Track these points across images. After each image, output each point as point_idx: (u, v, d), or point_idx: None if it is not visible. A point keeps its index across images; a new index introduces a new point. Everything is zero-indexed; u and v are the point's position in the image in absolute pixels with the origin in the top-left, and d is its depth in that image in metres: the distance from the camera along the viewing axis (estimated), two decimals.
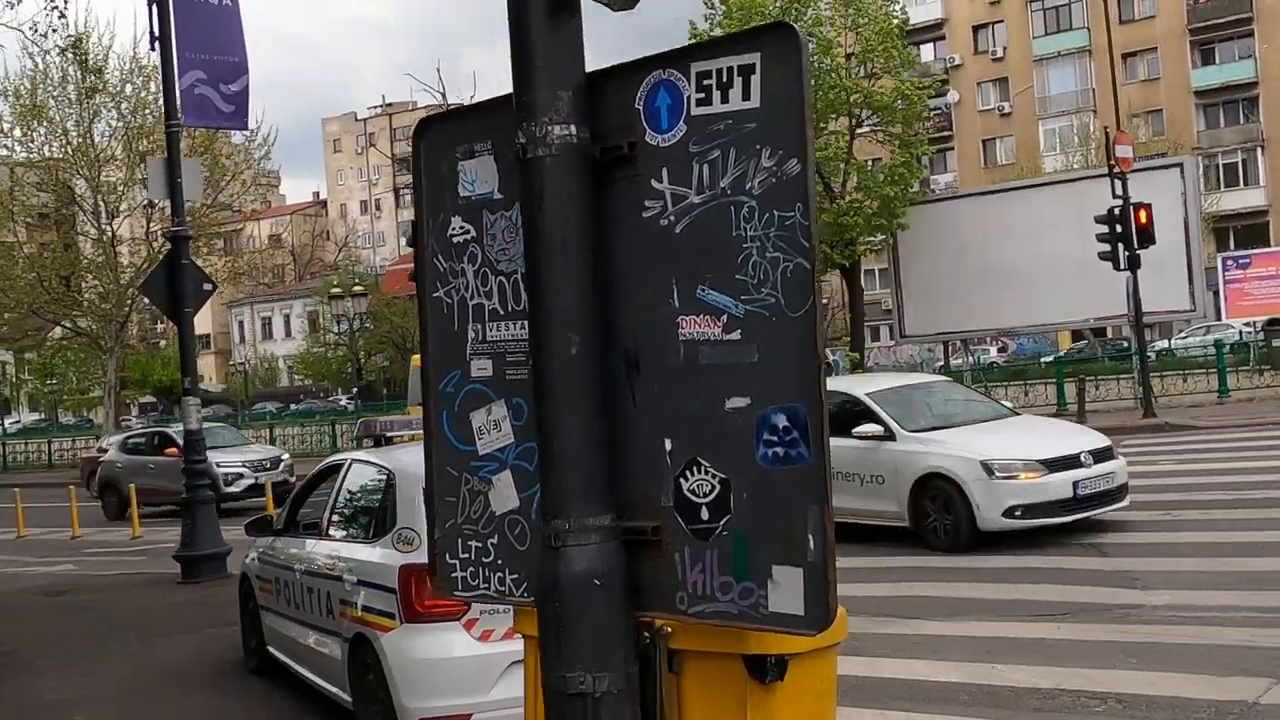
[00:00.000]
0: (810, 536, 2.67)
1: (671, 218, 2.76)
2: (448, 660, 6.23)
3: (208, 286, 14.79)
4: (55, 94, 36.81)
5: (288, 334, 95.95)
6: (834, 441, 11.18)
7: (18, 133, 37.51)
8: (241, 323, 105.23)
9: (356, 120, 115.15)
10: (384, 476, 7.11)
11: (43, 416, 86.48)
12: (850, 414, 12.56)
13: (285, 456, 25.36)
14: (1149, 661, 7.73)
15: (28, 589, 14.67)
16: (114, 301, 38.48)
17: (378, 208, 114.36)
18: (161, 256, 41.35)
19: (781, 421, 2.66)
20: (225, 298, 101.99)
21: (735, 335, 2.67)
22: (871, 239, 28.47)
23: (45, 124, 37.25)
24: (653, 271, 2.79)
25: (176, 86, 14.22)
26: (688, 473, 2.81)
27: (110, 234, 38.46)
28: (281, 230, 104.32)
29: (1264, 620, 8.38)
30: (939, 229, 26.69)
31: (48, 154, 37.39)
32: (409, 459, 7.04)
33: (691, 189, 2.74)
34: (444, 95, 30.01)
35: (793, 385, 2.62)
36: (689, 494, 2.81)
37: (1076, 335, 46.23)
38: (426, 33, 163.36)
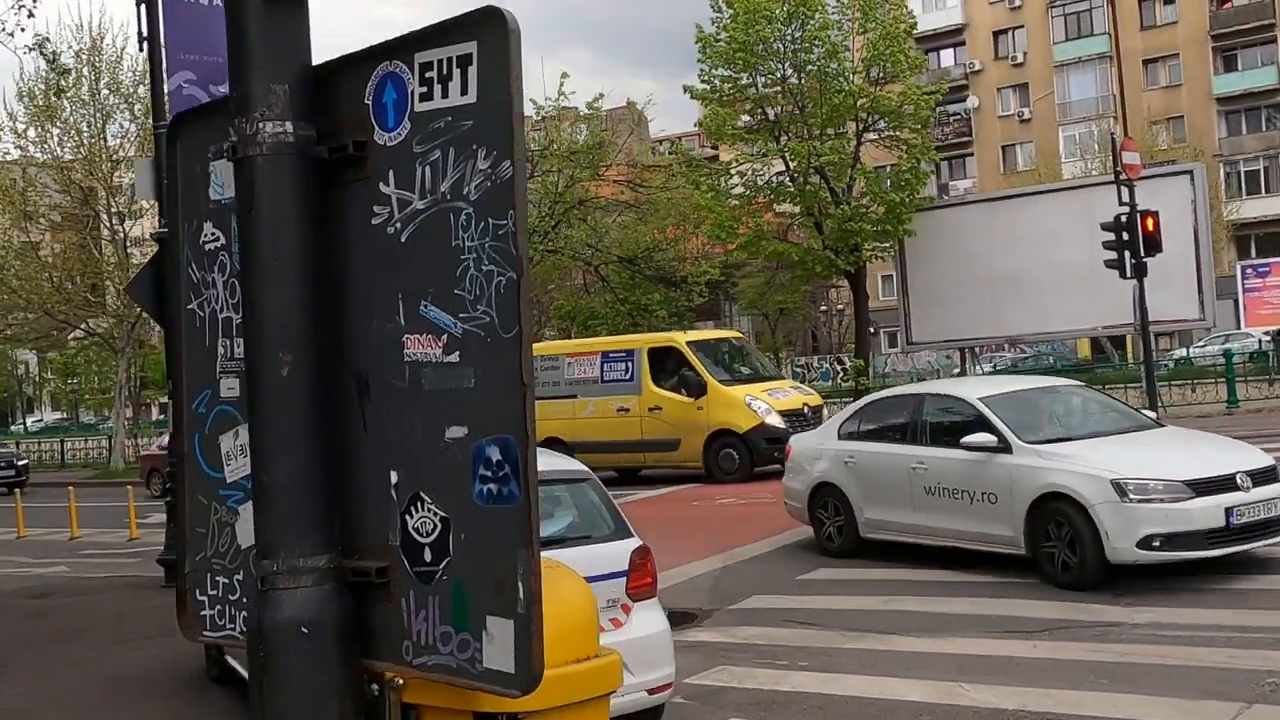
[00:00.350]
0: (520, 585, 2.41)
1: (398, 225, 2.50)
2: None
3: None
4: (69, 95, 36.84)
5: None
6: (940, 453, 11.08)
7: (32, 133, 37.63)
8: None
9: None
10: None
11: (64, 416, 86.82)
12: (960, 421, 11.33)
13: None
14: (1120, 682, 7.52)
15: (12, 591, 14.60)
16: (126, 302, 38.52)
17: None
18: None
19: (495, 455, 2.42)
20: None
21: (454, 357, 2.42)
22: (878, 245, 28.19)
23: (59, 125, 37.32)
24: (381, 284, 2.52)
25: (165, 87, 14.11)
26: (412, 509, 2.55)
27: (123, 235, 38.54)
28: None
29: (1246, 641, 8.15)
30: (946, 235, 26.40)
31: (62, 155, 37.34)
32: None
33: (415, 194, 2.47)
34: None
35: (506, 415, 2.37)
36: (414, 533, 2.55)
37: (1096, 344, 45.75)
38: None
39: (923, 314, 26.79)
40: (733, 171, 28.85)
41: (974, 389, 12.13)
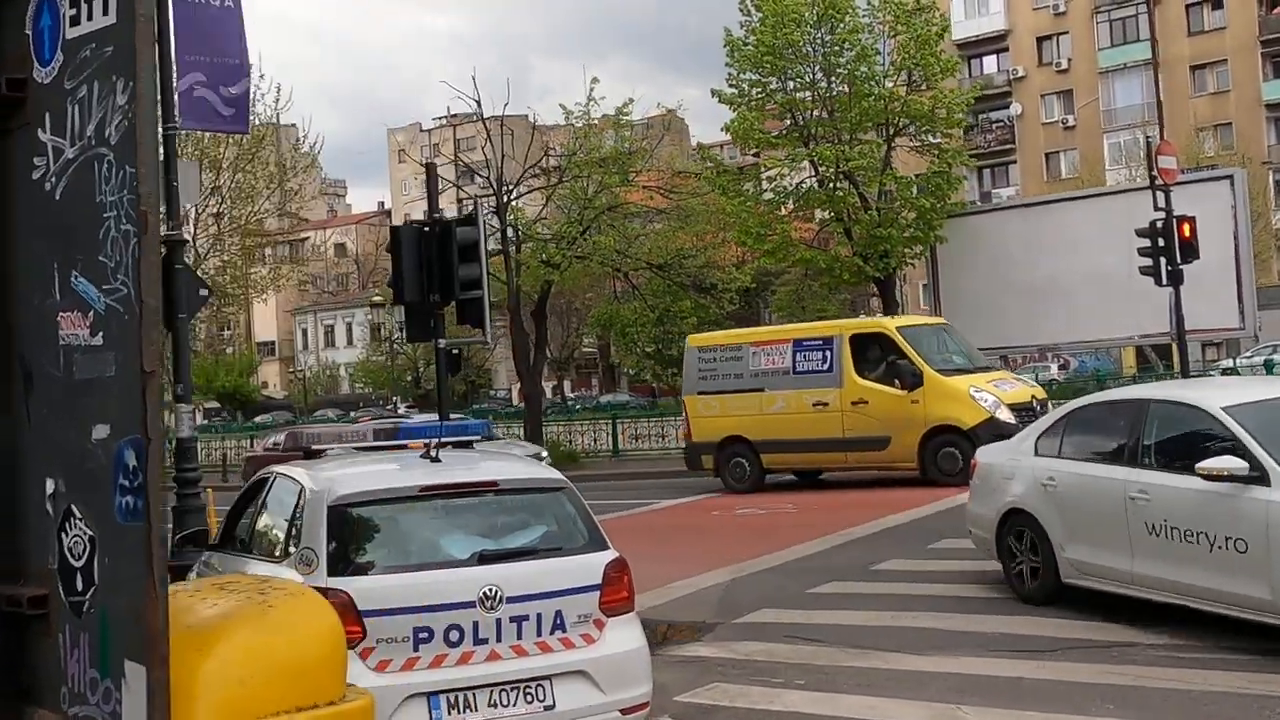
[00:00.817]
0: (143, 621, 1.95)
1: (53, 179, 2.16)
2: None
3: (204, 293, 14.55)
4: None
5: (349, 342, 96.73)
6: (1169, 480, 8.74)
7: None
8: (305, 330, 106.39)
9: (421, 131, 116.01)
10: (297, 491, 6.73)
11: None
12: (1197, 438, 8.69)
13: None
14: (1126, 708, 7.15)
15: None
16: None
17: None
18: (224, 264, 42.05)
19: (132, 460, 1.99)
20: (289, 304, 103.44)
21: (99, 339, 2.05)
22: (908, 251, 27.74)
23: None
24: (39, 252, 2.16)
25: (175, 88, 14.01)
26: (66, 526, 2.11)
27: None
28: (347, 239, 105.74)
29: (1263, 665, 7.74)
30: (979, 242, 25.93)
31: None
32: (327, 474, 6.68)
33: (67, 139, 2.12)
34: (479, 104, 29.67)
35: (136, 410, 1.97)
36: (69, 555, 2.11)
37: (1140, 354, 44.95)
38: (497, 43, 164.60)
39: (955, 322, 26.26)
40: (761, 177, 28.56)
41: (1215, 394, 9.35)
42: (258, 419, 79.00)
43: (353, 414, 71.66)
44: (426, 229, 12.68)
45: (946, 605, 10.29)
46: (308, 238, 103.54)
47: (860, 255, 26.62)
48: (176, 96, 14.02)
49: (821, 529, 15.49)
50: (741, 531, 16.47)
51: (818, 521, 16.40)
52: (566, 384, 78.75)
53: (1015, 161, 65.44)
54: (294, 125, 51.22)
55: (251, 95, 39.26)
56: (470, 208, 43.89)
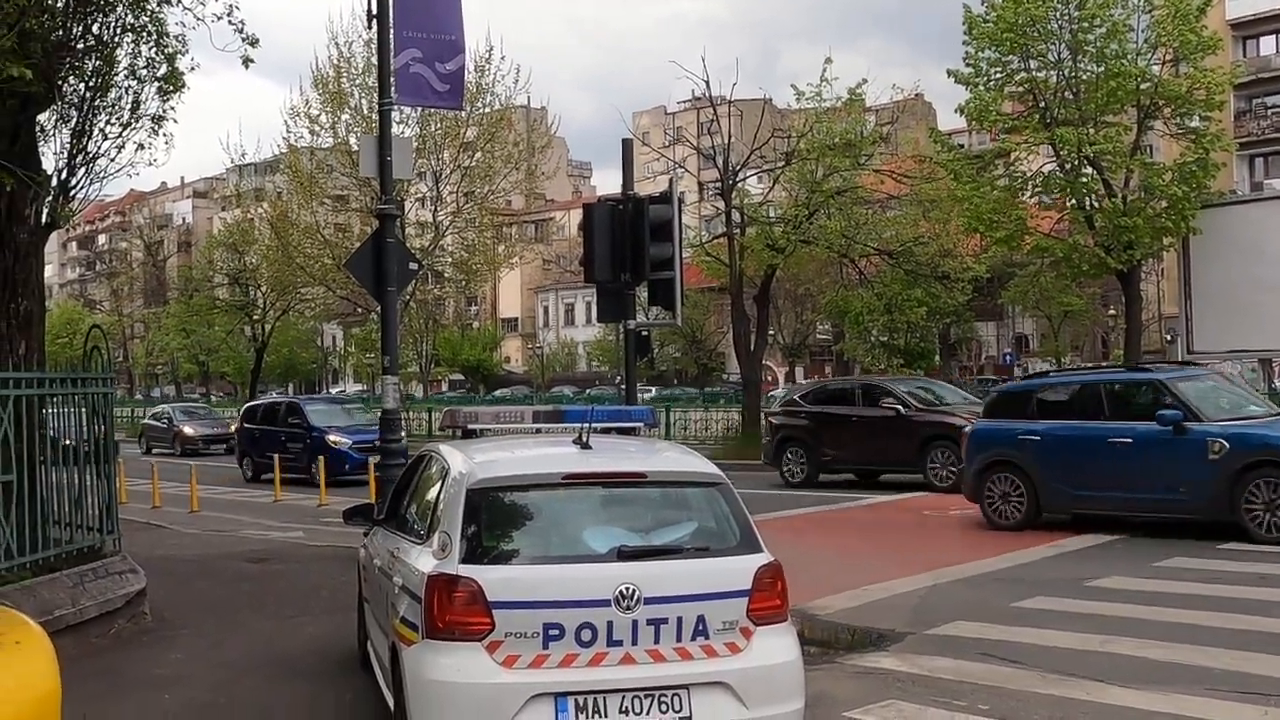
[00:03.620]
0: None
1: None
2: (463, 685, 5.52)
3: (413, 266, 14.73)
4: (358, 81, 38.60)
5: (588, 320, 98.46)
6: None
7: (324, 119, 39.63)
8: (546, 308, 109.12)
9: (666, 114, 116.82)
10: (443, 472, 6.51)
11: (365, 388, 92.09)
12: None
13: None
14: None
15: (239, 553, 15.10)
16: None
17: (681, 200, 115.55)
18: (447, 240, 43.38)
19: None
20: (533, 283, 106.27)
21: None
22: (1156, 243, 25.77)
23: (348, 111, 39.14)
24: None
25: (391, 65, 14.21)
26: None
27: (400, 217, 40.13)
28: None
29: None
30: (1239, 234, 23.69)
31: (349, 139, 39.07)
32: (471, 456, 6.42)
33: None
34: (707, 85, 29.33)
35: None
36: None
37: None
38: (747, 28, 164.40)
39: (1207, 320, 24.21)
40: (996, 161, 27.11)
41: None
42: (496, 392, 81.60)
43: (587, 391, 73.17)
44: (620, 207, 12.38)
45: (1169, 633, 9.29)
46: (552, 218, 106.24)
47: (1102, 245, 24.91)
48: (394, 73, 14.23)
49: (1039, 537, 14.51)
50: (951, 534, 15.60)
51: (1037, 528, 15.36)
52: (799, 371, 77.83)
53: None
54: (543, 108, 52.34)
55: (494, 76, 40.32)
56: (713, 191, 43.90)
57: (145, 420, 46.24)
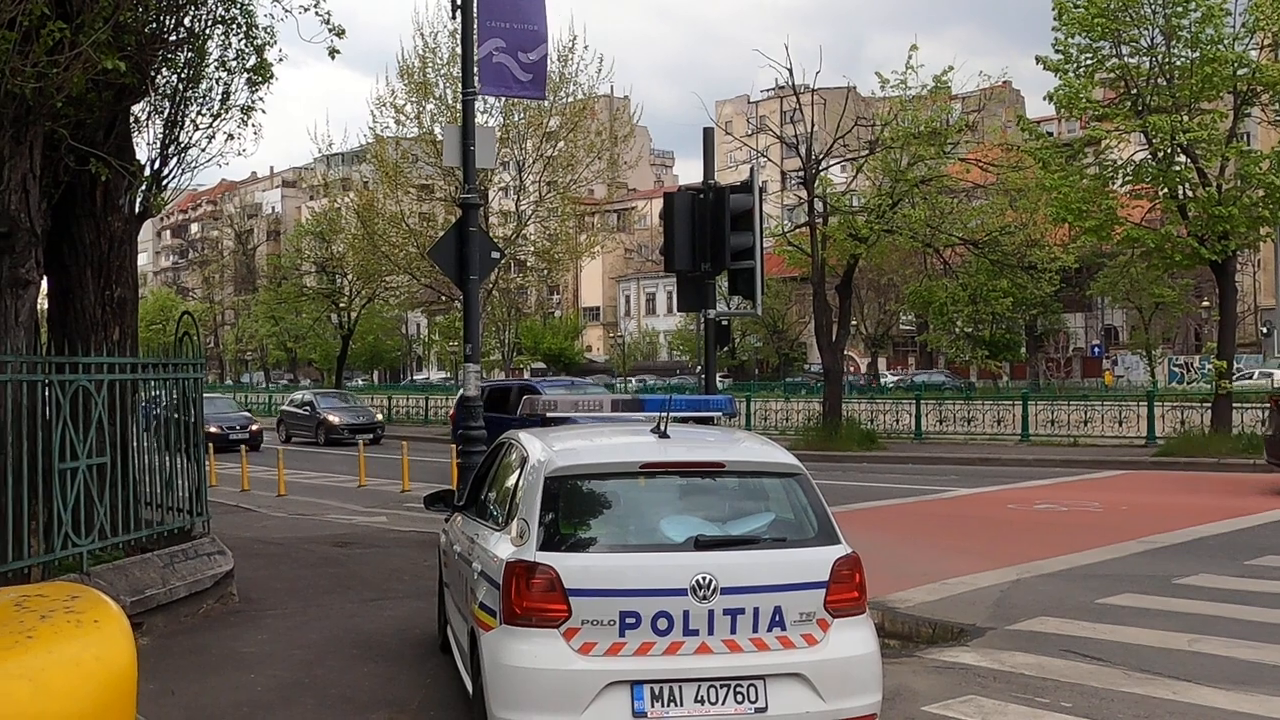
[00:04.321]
0: None
1: None
2: (540, 671, 5.56)
3: (495, 255, 14.84)
4: (443, 72, 38.95)
5: (669, 310, 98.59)
6: None
7: (409, 109, 40.06)
8: (628, 297, 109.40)
9: (749, 103, 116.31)
10: (522, 460, 6.55)
11: (448, 375, 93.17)
12: None
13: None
14: None
15: (323, 537, 15.35)
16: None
17: (763, 190, 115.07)
18: (530, 229, 43.67)
19: None
20: (614, 272, 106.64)
21: None
22: (1253, 234, 25.01)
23: (433, 101, 39.51)
24: None
25: (475, 55, 14.31)
26: None
27: (483, 206, 40.47)
28: None
29: None
30: None
31: (434, 129, 39.44)
32: (550, 444, 6.45)
33: None
34: (790, 73, 29.06)
35: None
36: None
37: None
38: (833, 16, 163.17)
39: None
40: (1086, 149, 26.51)
41: None
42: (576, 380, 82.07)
43: (668, 380, 73.30)
44: (701, 196, 12.34)
45: (1258, 633, 9.08)
46: (634, 207, 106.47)
47: (1196, 236, 24.28)
48: (477, 63, 14.33)
49: (1126, 532, 14.25)
50: (1036, 528, 15.35)
51: (1124, 524, 15.10)
52: (882, 362, 77.21)
53: None
54: (625, 97, 52.47)
55: (577, 66, 40.49)
56: (795, 180, 43.70)
57: (284, 407, 43.31)
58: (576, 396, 7.82)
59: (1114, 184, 26.30)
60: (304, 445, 37.48)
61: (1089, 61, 25.15)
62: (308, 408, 40.20)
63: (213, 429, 36.53)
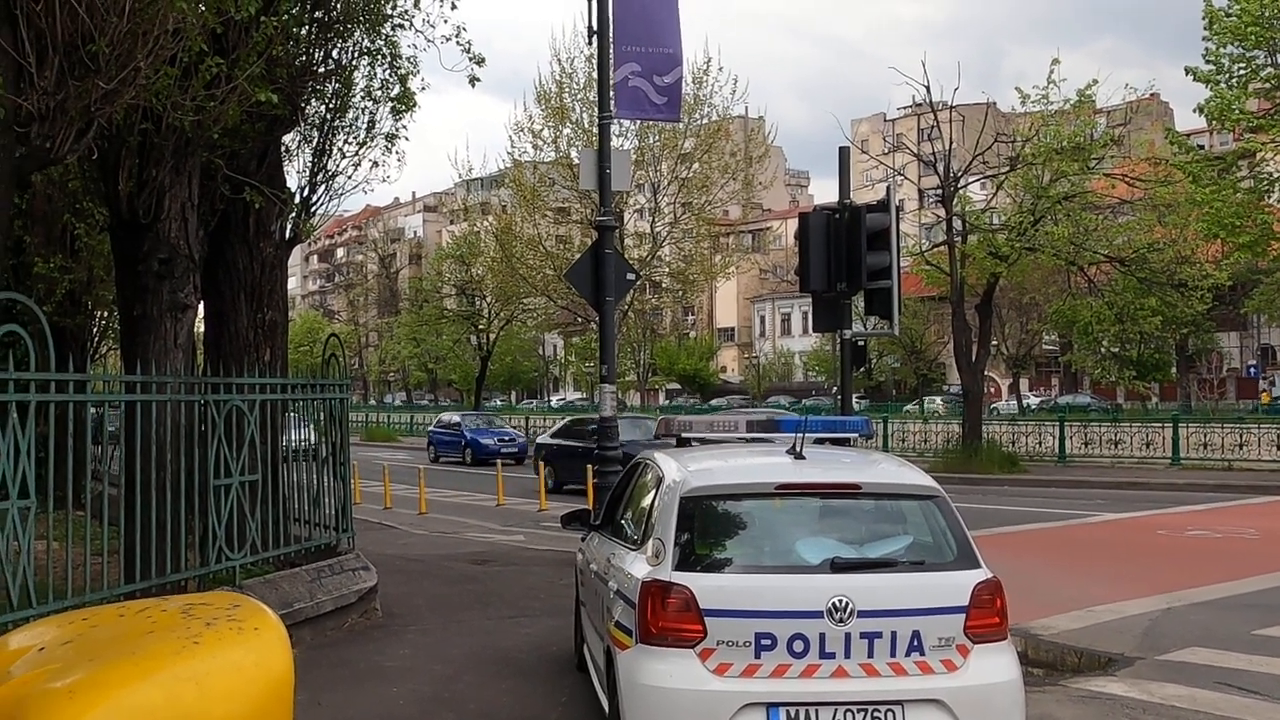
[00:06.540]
0: None
1: None
2: (676, 691, 5.58)
3: (631, 276, 14.97)
4: (579, 96, 39.47)
5: (804, 330, 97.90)
6: None
7: (546, 134, 40.68)
8: (763, 317, 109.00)
9: (885, 121, 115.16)
10: (657, 480, 6.59)
11: (583, 396, 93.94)
12: None
13: None
14: None
15: (462, 554, 15.63)
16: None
17: (900, 208, 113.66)
18: (665, 251, 43.91)
19: None
20: (749, 293, 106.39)
21: None
22: None
23: (570, 125, 40.06)
24: None
25: (610, 79, 14.50)
26: None
27: (618, 229, 40.84)
28: None
29: None
30: None
31: (570, 153, 39.94)
32: (685, 465, 6.48)
33: None
34: (928, 89, 28.64)
35: None
36: None
37: None
38: (969, 30, 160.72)
39: None
40: (1240, 162, 25.57)
41: None
42: (712, 401, 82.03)
43: (803, 401, 72.78)
44: (836, 215, 12.27)
45: None
46: (769, 227, 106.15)
47: None
48: (613, 87, 14.52)
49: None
50: (1187, 555, 14.81)
51: None
52: (1024, 383, 75.38)
53: None
54: (760, 117, 52.45)
55: (712, 88, 40.62)
56: (933, 198, 42.89)
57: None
58: (709, 418, 7.84)
59: (1270, 197, 25.31)
60: (451, 465, 38.42)
61: (1242, 71, 24.31)
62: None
63: (485, 441, 38.88)
